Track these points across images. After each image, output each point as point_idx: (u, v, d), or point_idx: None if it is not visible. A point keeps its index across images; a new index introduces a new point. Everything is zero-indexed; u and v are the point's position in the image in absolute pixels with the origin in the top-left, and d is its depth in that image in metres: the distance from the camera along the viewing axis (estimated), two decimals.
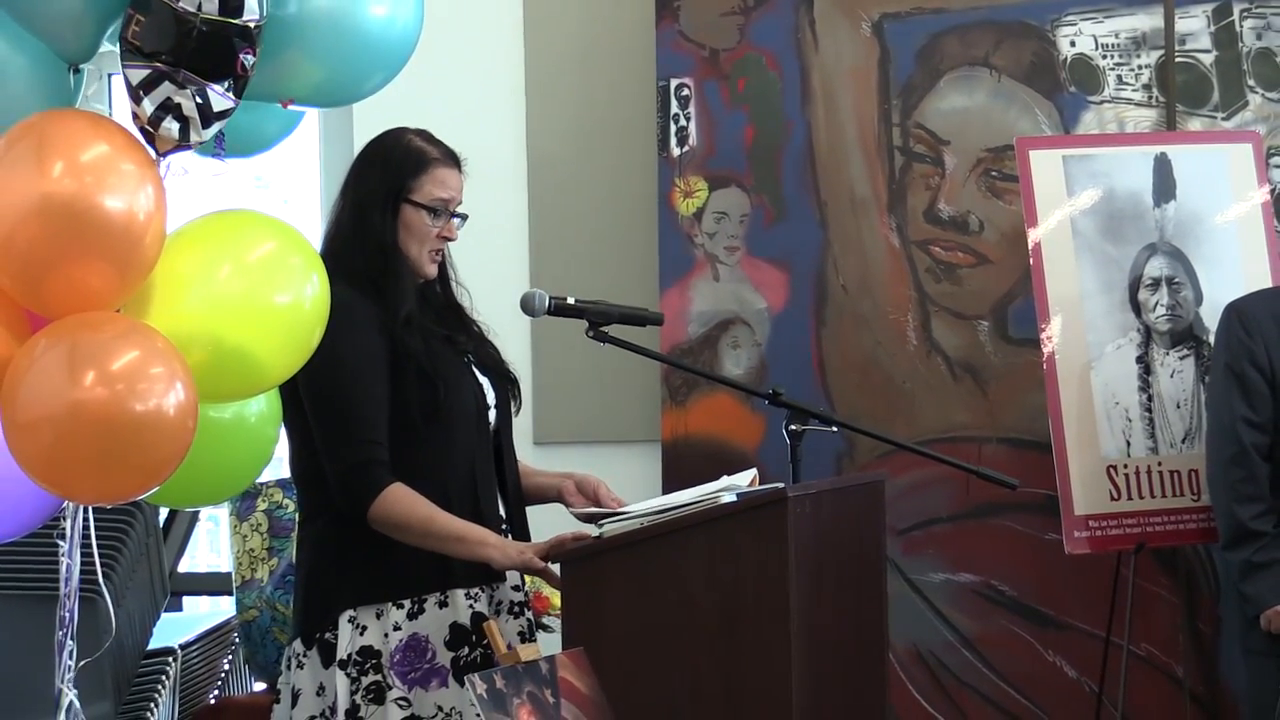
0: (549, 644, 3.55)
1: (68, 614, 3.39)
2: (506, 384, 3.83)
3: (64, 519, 3.38)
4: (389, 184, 3.70)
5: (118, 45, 3.13)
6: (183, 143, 3.08)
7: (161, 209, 3.03)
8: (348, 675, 3.59)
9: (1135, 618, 4.81)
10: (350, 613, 3.60)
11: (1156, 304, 4.80)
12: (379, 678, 3.58)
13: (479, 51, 5.37)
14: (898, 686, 4.97)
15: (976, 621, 5.05)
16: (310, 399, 3.60)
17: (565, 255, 5.30)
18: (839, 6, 5.15)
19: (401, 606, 3.61)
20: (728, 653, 3.28)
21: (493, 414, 3.78)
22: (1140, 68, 5.09)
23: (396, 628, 3.60)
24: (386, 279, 3.66)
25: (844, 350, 5.13)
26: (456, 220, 3.76)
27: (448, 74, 5.22)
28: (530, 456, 4.24)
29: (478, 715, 2.88)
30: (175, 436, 2.98)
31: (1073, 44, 5.10)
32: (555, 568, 3.47)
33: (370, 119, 4.08)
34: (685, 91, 5.17)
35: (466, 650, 3.61)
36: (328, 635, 3.62)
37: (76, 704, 3.37)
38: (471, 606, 3.63)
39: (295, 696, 3.65)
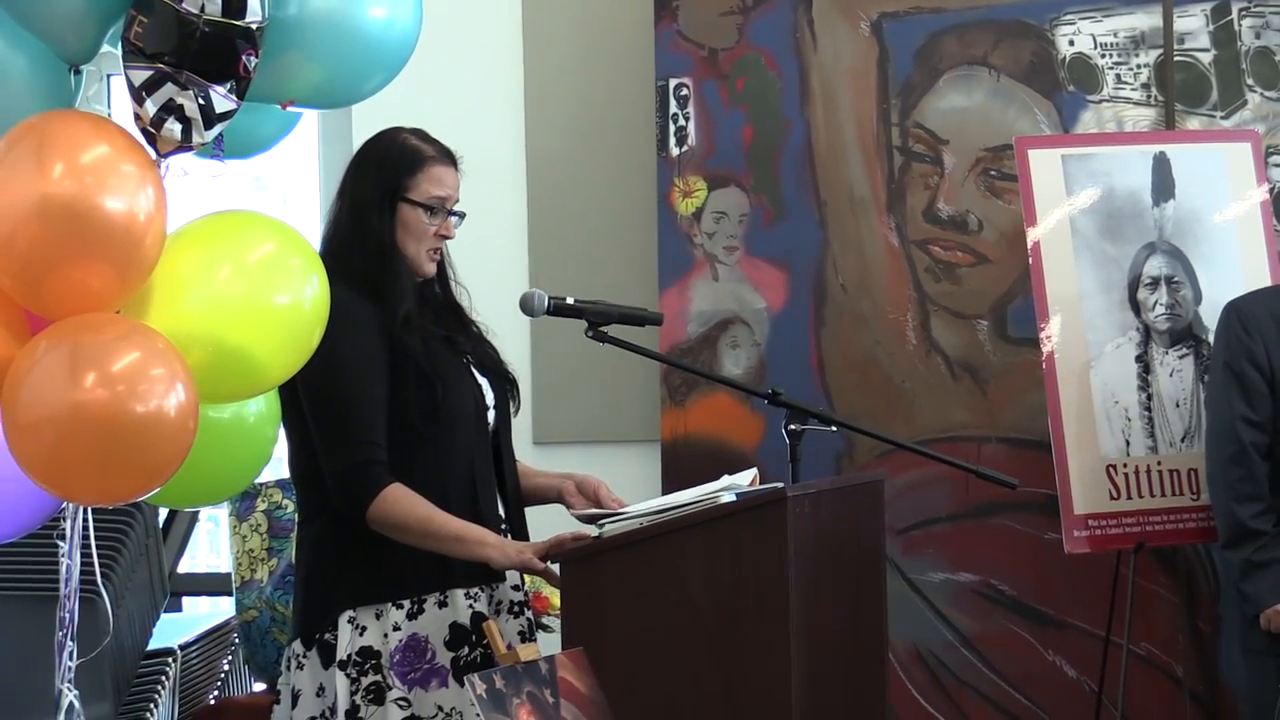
0: (549, 644, 3.55)
1: (68, 614, 3.39)
2: (505, 384, 3.83)
3: (64, 519, 3.39)
4: (386, 183, 3.70)
5: (117, 47, 3.14)
6: (185, 144, 3.09)
7: (162, 210, 3.03)
8: (347, 676, 3.59)
9: (1135, 617, 4.81)
10: (350, 613, 3.60)
11: (1155, 303, 4.80)
12: (379, 678, 3.58)
13: (478, 52, 5.37)
14: (897, 686, 4.97)
15: (976, 621, 5.05)
16: (309, 400, 3.60)
17: (564, 255, 5.30)
18: (837, 6, 5.15)
19: (401, 607, 3.61)
20: (727, 652, 3.28)
21: (491, 414, 3.78)
22: (1139, 67, 5.09)
23: (396, 628, 3.60)
24: (384, 279, 3.66)
25: (843, 350, 5.13)
26: (454, 219, 3.76)
27: (447, 74, 5.22)
28: (529, 456, 4.24)
29: (478, 715, 2.88)
30: (176, 438, 2.99)
31: (1071, 43, 5.10)
32: (555, 567, 3.48)
33: (369, 119, 4.08)
34: (684, 91, 5.17)
35: (466, 650, 3.61)
36: (327, 636, 3.62)
37: (76, 704, 3.37)
38: (471, 606, 3.63)
39: (295, 697, 3.65)
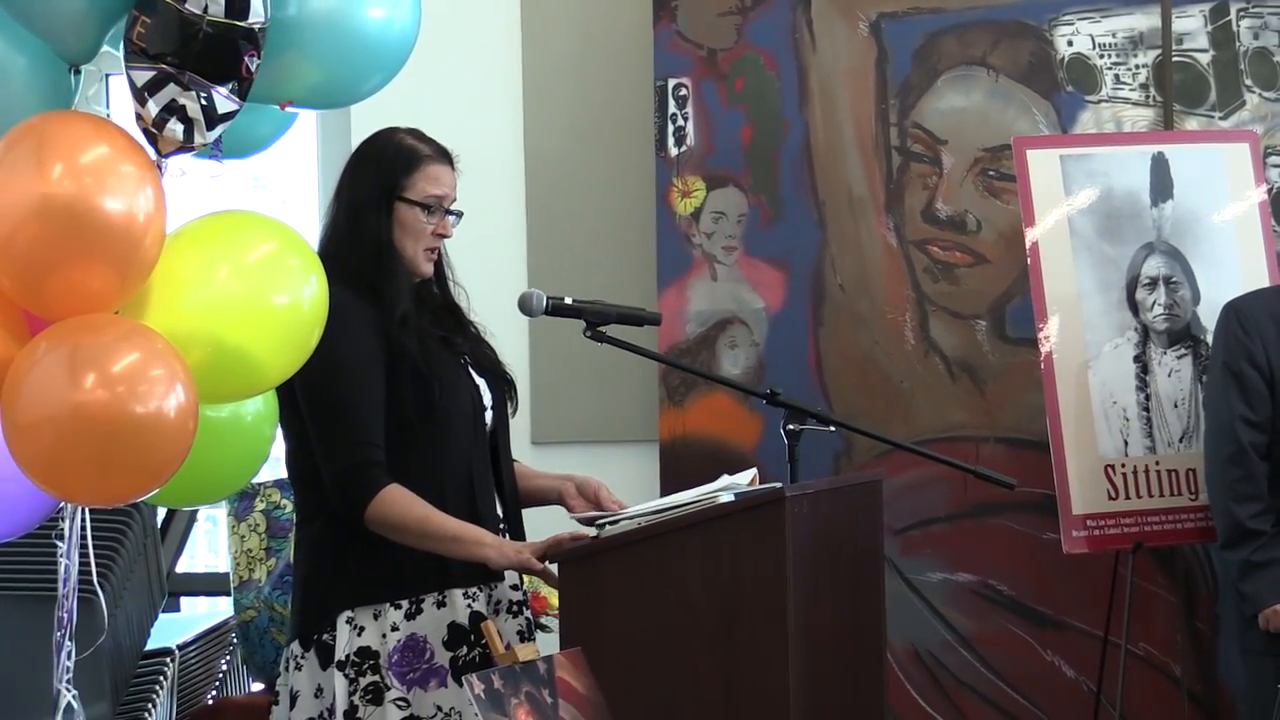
0: (547, 644, 3.55)
1: (66, 614, 3.39)
2: (503, 385, 3.83)
3: (62, 519, 3.39)
4: (382, 183, 3.70)
5: (117, 47, 3.14)
6: (187, 144, 3.09)
7: (161, 211, 3.03)
8: (346, 676, 3.59)
9: (1133, 617, 4.81)
10: (348, 614, 3.60)
11: (1154, 303, 4.80)
12: (377, 678, 3.58)
13: (477, 52, 5.37)
14: (896, 686, 4.97)
15: (974, 621, 5.05)
16: (306, 401, 3.60)
17: (563, 255, 5.30)
18: (836, 6, 5.15)
19: (399, 607, 3.61)
20: (725, 652, 3.28)
21: (489, 415, 3.78)
22: (1137, 67, 5.09)
23: (394, 628, 3.60)
24: (382, 278, 3.66)
25: (842, 350, 5.13)
26: (451, 218, 3.76)
27: (446, 75, 5.22)
28: (528, 456, 4.24)
29: (476, 715, 2.88)
30: (176, 438, 2.99)
31: (1070, 43, 5.10)
32: (553, 567, 3.48)
33: (368, 119, 4.08)
34: (683, 91, 5.17)
35: (465, 650, 3.62)
36: (325, 637, 3.62)
37: (75, 704, 3.37)
38: (470, 606, 3.63)
39: (294, 698, 3.65)
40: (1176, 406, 4.77)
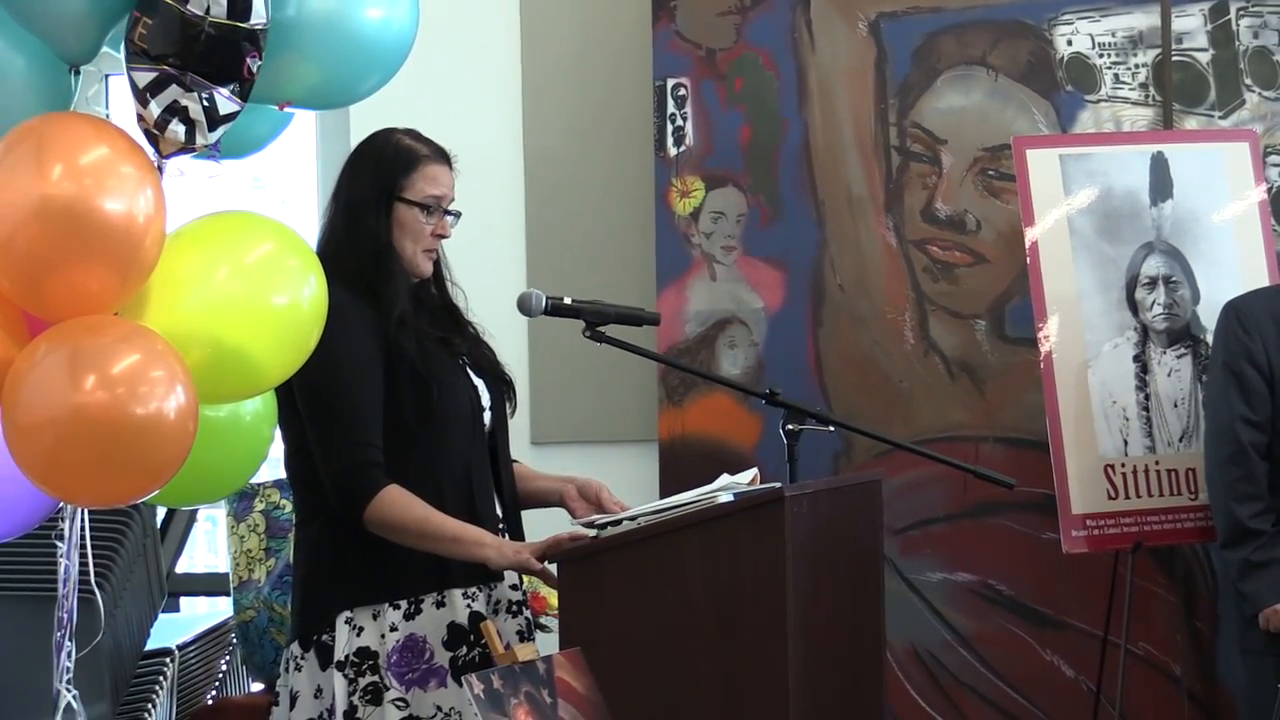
0: (546, 644, 3.55)
1: (66, 614, 3.39)
2: (502, 385, 3.83)
3: (62, 519, 3.39)
4: (380, 183, 3.70)
5: (118, 48, 3.13)
6: (188, 145, 3.09)
7: (161, 212, 3.03)
8: (345, 676, 3.59)
9: (1133, 617, 4.81)
10: (347, 614, 3.60)
11: (1153, 303, 4.80)
12: (376, 679, 3.58)
13: (476, 52, 5.37)
14: (895, 686, 4.97)
15: (974, 621, 5.05)
16: (305, 402, 3.60)
17: (562, 255, 5.30)
18: (835, 6, 5.14)
19: (398, 607, 3.61)
20: (725, 652, 3.28)
21: (488, 415, 3.78)
22: (1137, 67, 5.09)
23: (393, 628, 3.60)
24: (380, 279, 3.66)
25: (841, 350, 5.13)
26: (450, 218, 3.76)
27: (445, 75, 5.22)
28: (527, 456, 4.24)
29: (475, 715, 2.88)
30: (176, 440, 2.99)
31: (1069, 43, 5.10)
32: (552, 567, 3.48)
33: (367, 120, 4.08)
34: (682, 91, 5.17)
35: (464, 650, 3.62)
36: (325, 637, 3.62)
37: (75, 704, 3.37)
38: (469, 606, 3.63)
39: (293, 699, 3.65)
40: (1176, 406, 4.77)
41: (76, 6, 3.14)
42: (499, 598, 3.69)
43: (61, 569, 3.39)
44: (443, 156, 3.76)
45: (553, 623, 3.90)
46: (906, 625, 5.00)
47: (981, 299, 5.11)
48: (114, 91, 3.80)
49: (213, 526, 6.48)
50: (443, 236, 3.75)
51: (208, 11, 3.03)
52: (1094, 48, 5.09)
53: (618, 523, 3.45)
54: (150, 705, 4.55)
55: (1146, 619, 4.93)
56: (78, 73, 3.24)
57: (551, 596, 3.90)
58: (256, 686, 5.00)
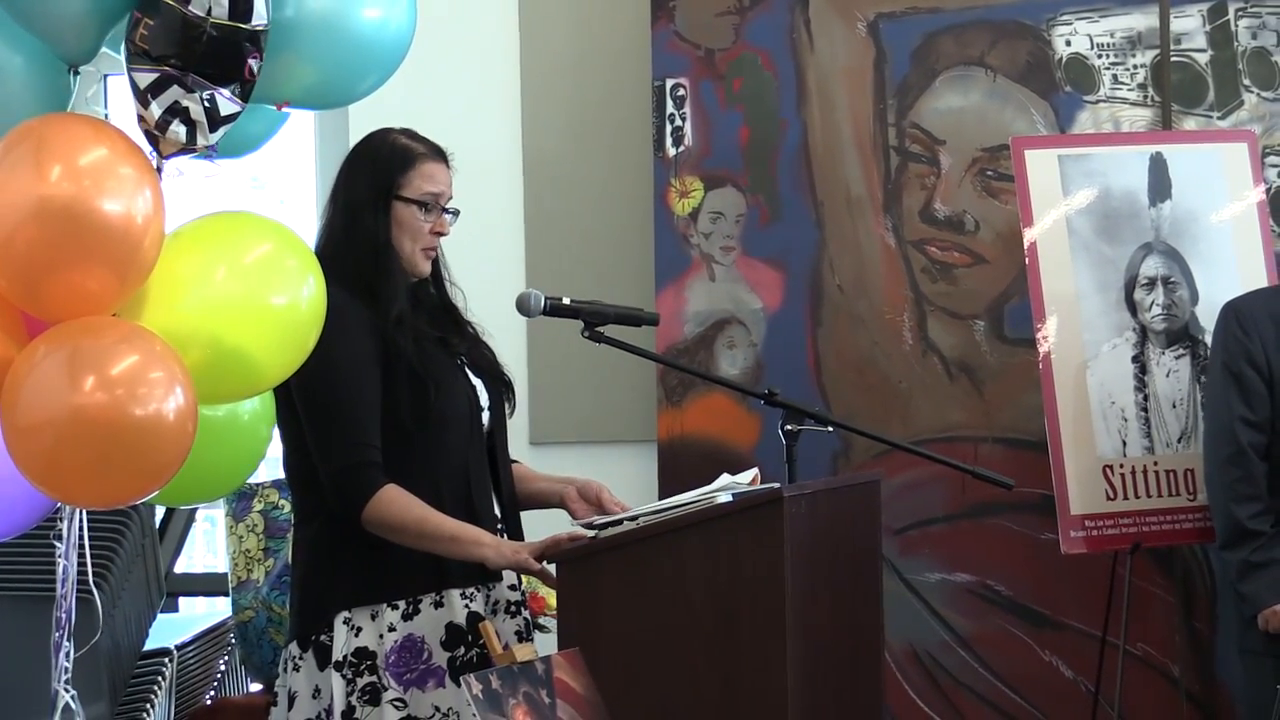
0: (545, 644, 3.55)
1: (64, 614, 3.39)
2: (500, 385, 3.82)
3: (60, 519, 3.39)
4: (378, 182, 3.70)
5: (116, 49, 3.13)
6: (189, 146, 3.09)
7: (160, 213, 3.03)
8: (343, 677, 3.58)
9: (1131, 617, 4.81)
10: (345, 614, 3.60)
11: (1152, 303, 4.80)
12: (374, 679, 3.58)
13: (474, 52, 5.37)
14: (894, 686, 4.97)
15: (973, 621, 5.05)
16: (303, 402, 3.60)
17: (561, 255, 5.30)
18: (834, 6, 5.14)
19: (396, 607, 3.60)
20: (724, 652, 3.28)
21: (486, 416, 3.78)
22: (1135, 67, 5.09)
23: (391, 629, 3.59)
24: (379, 278, 3.65)
25: (840, 350, 5.13)
26: (448, 216, 3.76)
27: (443, 74, 5.22)
28: (526, 456, 4.24)
29: (474, 716, 2.88)
30: (175, 440, 2.99)
31: (1068, 43, 5.10)
32: (551, 568, 3.48)
33: (366, 119, 4.08)
34: (681, 91, 5.17)
35: (463, 650, 3.61)
36: (323, 637, 3.62)
37: (73, 704, 3.37)
38: (467, 606, 3.63)
39: (292, 699, 3.64)
40: (1175, 407, 4.77)
41: (76, 7, 3.14)
42: (497, 598, 3.69)
43: (60, 569, 3.39)
44: (440, 154, 3.76)
45: (551, 623, 3.90)
46: (905, 625, 5.00)
47: (980, 299, 5.11)
48: (112, 92, 3.80)
49: (211, 527, 6.49)
50: (441, 234, 3.75)
51: (209, 12, 3.03)
52: (1092, 48, 5.10)
53: (617, 523, 3.45)
54: (149, 705, 4.55)
55: (1145, 619, 4.93)
56: (76, 73, 3.24)
57: (550, 596, 3.90)
58: (255, 686, 5.01)
